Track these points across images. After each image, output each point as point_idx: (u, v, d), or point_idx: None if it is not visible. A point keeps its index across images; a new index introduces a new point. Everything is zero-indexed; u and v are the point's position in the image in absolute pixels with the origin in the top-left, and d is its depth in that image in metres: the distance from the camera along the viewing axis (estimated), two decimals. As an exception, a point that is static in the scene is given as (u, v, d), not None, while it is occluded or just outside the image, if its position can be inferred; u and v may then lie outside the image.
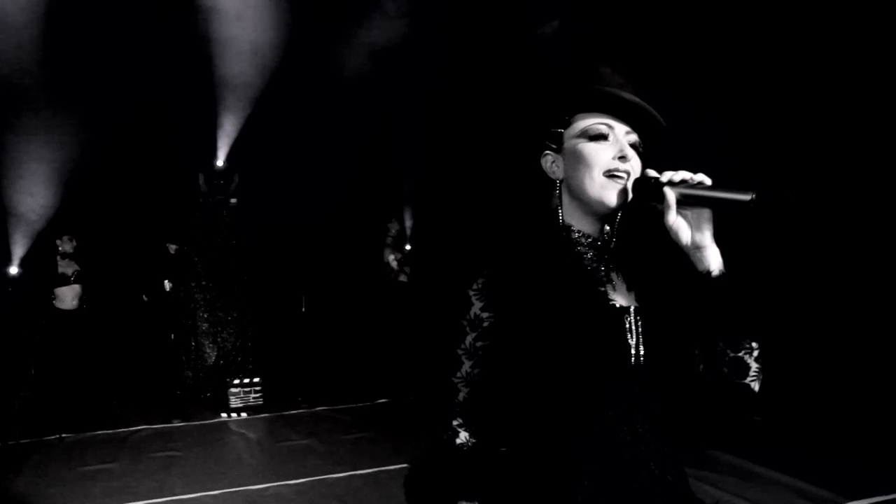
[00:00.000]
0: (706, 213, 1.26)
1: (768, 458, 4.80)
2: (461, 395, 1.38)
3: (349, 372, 8.45)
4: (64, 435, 6.28)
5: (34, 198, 7.78)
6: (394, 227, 8.91)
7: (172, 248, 8.15)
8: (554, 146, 1.40)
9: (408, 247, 9.33)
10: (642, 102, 1.33)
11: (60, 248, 7.24)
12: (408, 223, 9.93)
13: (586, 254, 1.38)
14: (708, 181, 1.24)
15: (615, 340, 1.31)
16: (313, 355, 8.18)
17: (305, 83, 9.05)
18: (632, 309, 1.35)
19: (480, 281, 1.36)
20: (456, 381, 1.38)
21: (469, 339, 1.36)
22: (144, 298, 7.74)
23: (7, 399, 6.36)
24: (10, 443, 5.98)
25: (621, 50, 6.66)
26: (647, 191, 1.28)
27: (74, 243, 7.31)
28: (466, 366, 1.37)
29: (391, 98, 9.37)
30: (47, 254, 7.27)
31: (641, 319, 1.34)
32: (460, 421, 1.39)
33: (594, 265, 1.38)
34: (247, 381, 7.34)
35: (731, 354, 1.26)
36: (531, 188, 1.44)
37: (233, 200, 8.53)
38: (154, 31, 7.76)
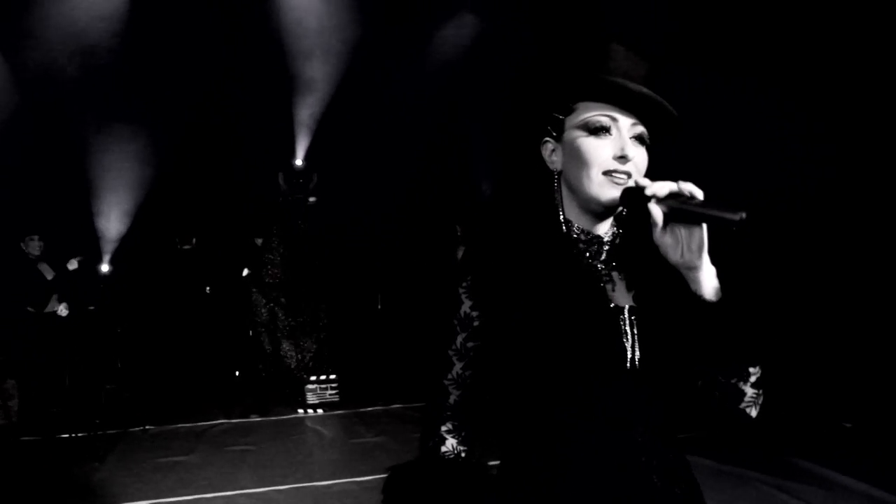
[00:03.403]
0: (699, 231, 1.09)
1: (857, 468, 4.49)
2: (452, 398, 1.29)
3: (424, 370, 8.43)
4: (148, 427, 6.50)
5: (121, 198, 8.11)
6: (460, 229, 8.83)
7: (259, 241, 8.34)
8: (555, 134, 1.27)
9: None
10: (651, 93, 1.19)
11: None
12: (485, 222, 9.84)
13: (585, 251, 1.26)
14: (699, 195, 1.08)
15: (608, 342, 1.19)
16: (389, 353, 8.20)
17: (382, 82, 9.11)
18: (626, 309, 1.22)
19: (469, 277, 1.27)
20: (447, 383, 1.29)
21: (460, 339, 1.27)
22: (207, 291, 7.93)
23: (94, 391, 6.64)
24: (98, 433, 6.24)
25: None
26: (636, 202, 1.14)
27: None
28: (457, 367, 1.28)
29: (467, 96, 9.32)
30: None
31: (637, 321, 1.22)
32: (449, 427, 1.29)
33: (592, 262, 1.26)
34: (324, 378, 7.44)
35: (723, 380, 1.13)
36: (528, 177, 1.32)
37: (312, 199, 8.65)
38: (231, 33, 7.97)
